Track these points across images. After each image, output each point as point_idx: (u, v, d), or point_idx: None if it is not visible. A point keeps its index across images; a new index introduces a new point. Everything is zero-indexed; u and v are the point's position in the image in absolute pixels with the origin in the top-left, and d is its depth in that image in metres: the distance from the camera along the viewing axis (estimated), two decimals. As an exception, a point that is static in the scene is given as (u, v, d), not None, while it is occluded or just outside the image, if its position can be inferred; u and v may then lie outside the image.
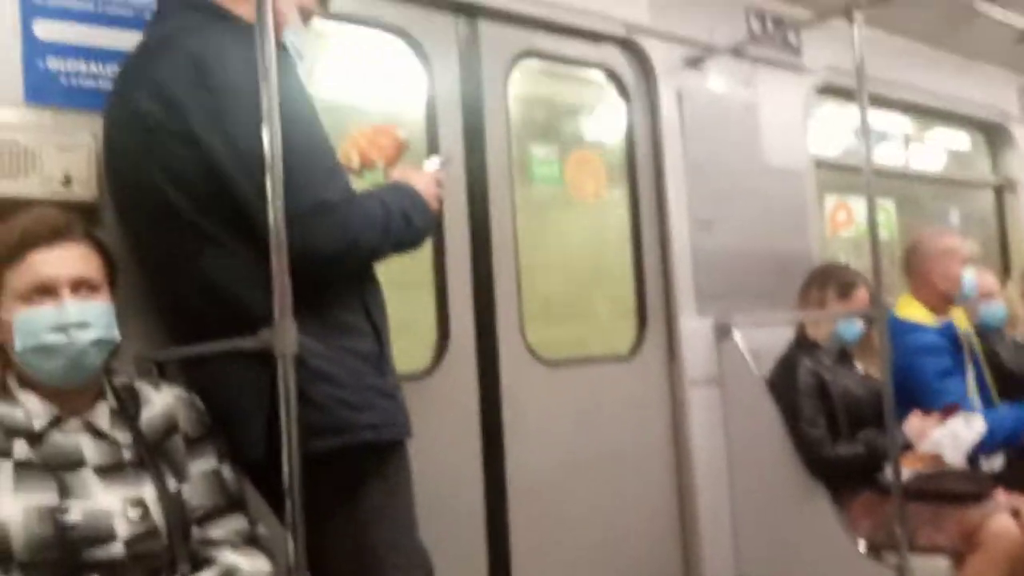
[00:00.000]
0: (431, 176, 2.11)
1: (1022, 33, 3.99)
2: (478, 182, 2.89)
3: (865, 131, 2.94)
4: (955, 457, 3.09)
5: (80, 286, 1.70)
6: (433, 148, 2.76)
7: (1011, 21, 3.48)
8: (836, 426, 3.12)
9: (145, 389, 1.86)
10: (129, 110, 1.86)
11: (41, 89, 2.03)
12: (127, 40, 2.10)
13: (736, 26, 3.66)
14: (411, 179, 2.05)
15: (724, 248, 3.46)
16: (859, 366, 3.36)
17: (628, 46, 3.35)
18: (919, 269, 3.61)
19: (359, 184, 2.06)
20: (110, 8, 2.14)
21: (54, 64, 2.06)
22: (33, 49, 2.03)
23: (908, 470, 2.98)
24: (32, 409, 1.68)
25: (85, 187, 2.00)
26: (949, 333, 3.46)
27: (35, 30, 2.04)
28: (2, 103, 1.99)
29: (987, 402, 3.52)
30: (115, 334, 1.74)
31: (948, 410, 3.15)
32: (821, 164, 4.00)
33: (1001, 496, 2.98)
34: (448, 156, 2.32)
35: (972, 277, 3.53)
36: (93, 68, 2.10)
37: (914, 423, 3.12)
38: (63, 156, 1.99)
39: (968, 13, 3.84)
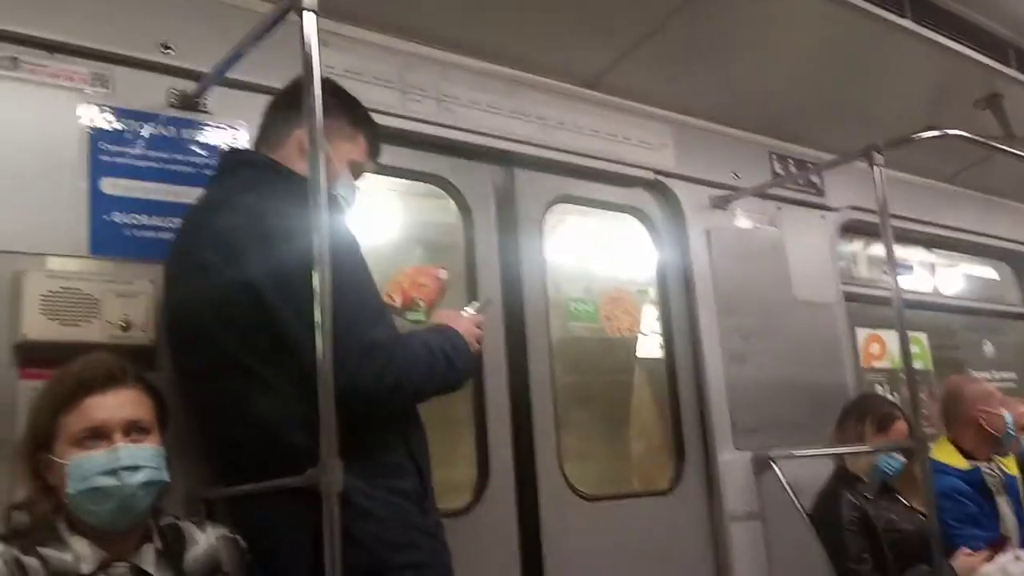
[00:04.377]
0: (472, 319, 2.19)
1: (1039, 170, 4.10)
2: (516, 323, 2.97)
3: (892, 267, 3.00)
4: (1006, 594, 3.00)
5: (132, 429, 1.75)
6: (473, 290, 2.85)
7: (1027, 159, 3.60)
8: (883, 561, 3.04)
9: (190, 529, 1.88)
10: (190, 261, 1.97)
11: (105, 241, 2.16)
12: (187, 194, 2.25)
13: (761, 167, 3.81)
14: (453, 322, 2.13)
15: (758, 381, 3.48)
16: (902, 499, 3.30)
17: (657, 189, 3.48)
18: (962, 416, 3.59)
19: (402, 324, 2.14)
20: (172, 166, 2.30)
21: (118, 217, 2.19)
22: (100, 204, 2.17)
23: (959, 608, 2.90)
24: (81, 553, 1.69)
25: (143, 332, 2.10)
26: (975, 478, 3.40)
27: (102, 186, 2.19)
28: (68, 255, 2.11)
29: (1029, 544, 3.43)
30: (165, 476, 1.78)
31: (997, 545, 3.08)
32: (852, 297, 4.04)
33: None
34: (488, 299, 2.38)
35: (1009, 416, 3.50)
36: (155, 220, 2.24)
37: (963, 559, 3.05)
38: (123, 303, 2.09)
39: (985, 153, 3.96)
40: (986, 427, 3.50)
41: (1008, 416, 3.49)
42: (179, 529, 1.87)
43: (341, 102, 2.19)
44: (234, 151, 2.32)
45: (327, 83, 2.05)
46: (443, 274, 2.31)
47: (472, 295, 2.81)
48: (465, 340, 2.09)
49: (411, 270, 2.37)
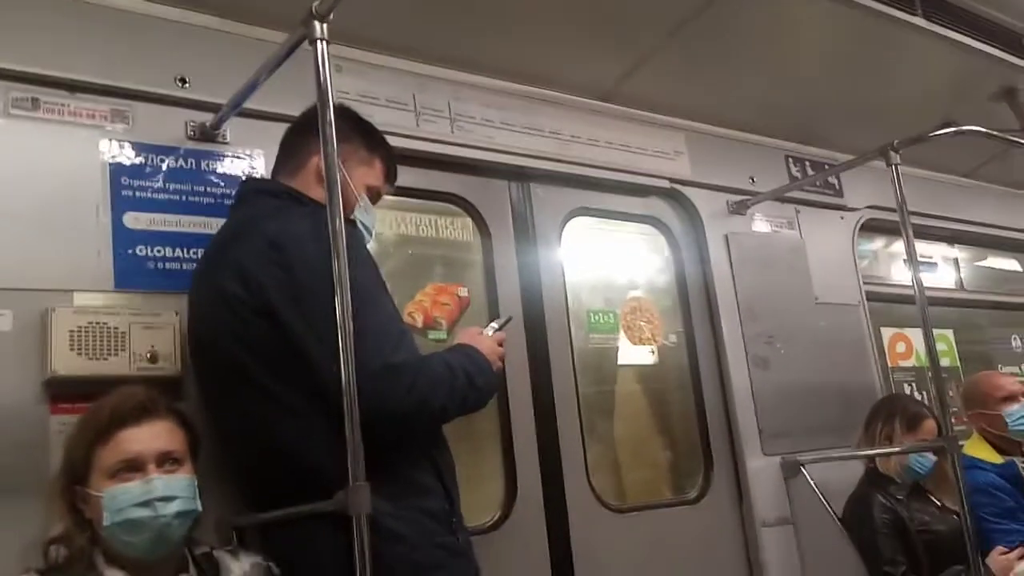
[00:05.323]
0: (493, 338, 2.19)
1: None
2: (538, 337, 2.97)
3: (914, 265, 2.98)
4: (1042, 592, 2.96)
5: (165, 460, 1.78)
6: (493, 306, 2.86)
7: (1047, 150, 3.57)
8: (917, 564, 3.01)
9: (224, 558, 1.90)
10: (214, 290, 1.99)
11: (129, 274, 2.19)
12: (208, 224, 2.29)
13: (777, 171, 3.81)
14: (474, 341, 2.13)
15: (784, 385, 3.47)
16: (935, 499, 3.27)
17: (674, 197, 3.49)
18: (971, 413, 3.58)
19: (424, 343, 2.14)
20: (192, 197, 2.34)
21: (142, 251, 2.23)
22: (123, 238, 2.21)
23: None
24: None
25: (170, 363, 2.13)
26: (1009, 472, 3.36)
27: (125, 221, 2.23)
28: (94, 289, 2.14)
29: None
30: (197, 505, 1.80)
31: (1034, 543, 3.04)
32: (875, 297, 4.02)
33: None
34: (508, 317, 2.39)
35: (1018, 410, 3.45)
36: (178, 252, 2.27)
37: (997, 558, 3.01)
38: (150, 335, 2.12)
39: (1004, 147, 3.93)
40: (989, 429, 3.48)
41: (1012, 412, 3.44)
42: (213, 558, 1.88)
43: (356, 127, 2.21)
44: (251, 180, 2.36)
45: (342, 109, 2.09)
46: (463, 292, 2.32)
47: (493, 311, 2.82)
48: (487, 358, 2.09)
49: (431, 289, 2.39)
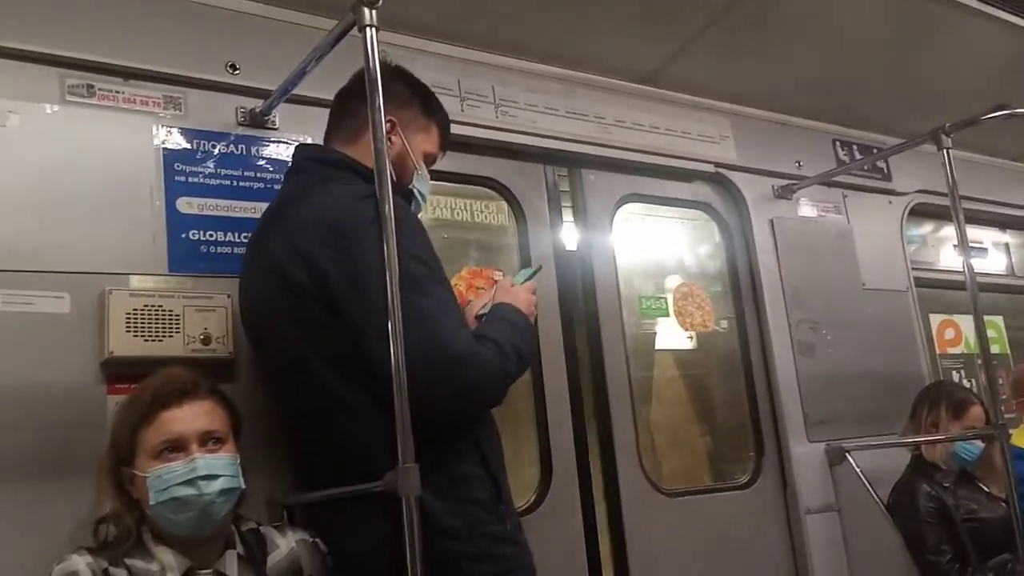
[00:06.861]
0: (526, 288, 2.15)
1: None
2: (591, 323, 2.99)
3: (964, 250, 2.93)
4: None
5: (207, 439, 1.81)
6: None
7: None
8: (963, 552, 2.98)
9: (272, 534, 1.94)
10: (269, 267, 1.95)
11: (183, 258, 2.23)
12: (259, 209, 2.29)
13: (824, 155, 3.76)
14: (512, 298, 2.07)
15: (830, 372, 3.43)
16: (984, 486, 3.22)
17: (719, 182, 3.47)
18: (1017, 401, 3.53)
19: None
20: (243, 182, 2.37)
21: (194, 235, 2.27)
22: (176, 223, 2.25)
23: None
24: (166, 562, 1.75)
25: (222, 345, 2.17)
26: None
27: (178, 205, 2.26)
28: (149, 273, 2.18)
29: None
30: (240, 483, 1.83)
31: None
32: (923, 283, 3.96)
33: None
34: (539, 265, 2.36)
35: None
36: (229, 236, 2.31)
37: (1048, 547, 2.96)
38: (203, 317, 2.16)
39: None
40: None
41: None
42: (260, 534, 1.92)
43: (414, 92, 2.16)
44: (307, 147, 2.27)
45: (399, 72, 2.07)
46: (498, 276, 2.30)
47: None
48: (527, 318, 2.04)
49: (467, 272, 2.37)
